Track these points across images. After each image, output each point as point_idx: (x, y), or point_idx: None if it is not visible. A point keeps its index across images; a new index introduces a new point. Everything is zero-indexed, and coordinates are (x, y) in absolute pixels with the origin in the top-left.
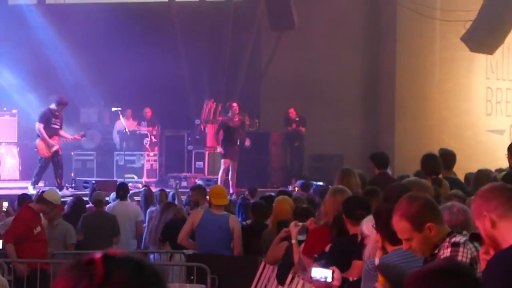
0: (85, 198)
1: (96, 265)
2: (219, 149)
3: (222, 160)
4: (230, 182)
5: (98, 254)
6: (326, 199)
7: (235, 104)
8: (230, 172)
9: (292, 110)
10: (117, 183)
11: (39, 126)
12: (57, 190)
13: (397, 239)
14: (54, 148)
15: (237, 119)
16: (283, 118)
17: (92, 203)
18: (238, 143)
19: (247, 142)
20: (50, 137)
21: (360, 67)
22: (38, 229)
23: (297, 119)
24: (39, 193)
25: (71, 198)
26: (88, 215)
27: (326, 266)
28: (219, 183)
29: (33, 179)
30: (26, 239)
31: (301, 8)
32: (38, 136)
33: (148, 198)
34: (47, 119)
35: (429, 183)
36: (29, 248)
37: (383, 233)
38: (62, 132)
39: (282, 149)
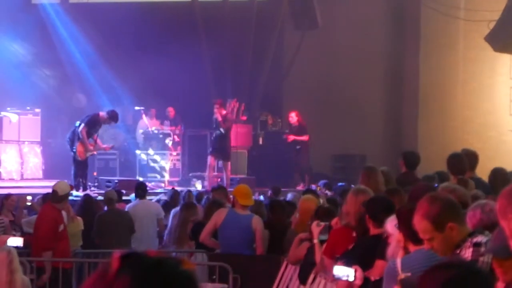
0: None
1: (112, 262)
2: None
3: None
4: (225, 182)
5: (118, 253)
6: (348, 199)
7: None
8: (224, 172)
9: (293, 114)
10: (136, 182)
11: (82, 129)
12: (66, 182)
13: (419, 239)
14: (90, 154)
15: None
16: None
17: (104, 202)
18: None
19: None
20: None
21: (383, 67)
22: (62, 227)
23: (296, 125)
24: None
25: (81, 197)
26: (102, 214)
27: (348, 265)
28: (206, 181)
29: (75, 183)
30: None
31: (325, 8)
32: (79, 138)
33: (174, 199)
34: (93, 124)
35: (454, 182)
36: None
37: (405, 233)
38: (98, 140)
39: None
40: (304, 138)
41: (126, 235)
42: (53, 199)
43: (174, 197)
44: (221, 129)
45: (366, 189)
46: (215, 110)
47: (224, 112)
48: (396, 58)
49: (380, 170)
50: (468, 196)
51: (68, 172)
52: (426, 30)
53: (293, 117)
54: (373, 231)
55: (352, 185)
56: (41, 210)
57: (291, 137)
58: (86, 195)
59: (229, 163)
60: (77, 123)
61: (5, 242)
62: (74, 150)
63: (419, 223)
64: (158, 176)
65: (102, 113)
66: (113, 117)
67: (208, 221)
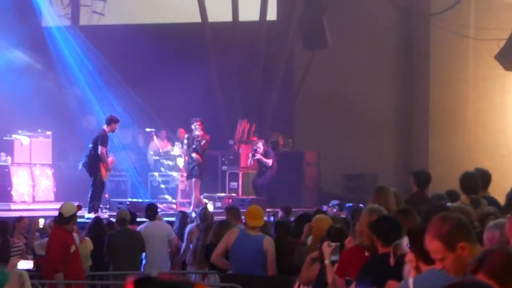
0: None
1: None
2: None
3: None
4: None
5: (132, 277)
6: (361, 218)
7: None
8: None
9: (259, 144)
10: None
11: (102, 150)
12: (72, 203)
13: (431, 259)
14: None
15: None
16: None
17: (117, 222)
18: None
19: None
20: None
21: (393, 86)
22: (73, 248)
23: (261, 149)
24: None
25: (91, 220)
26: (114, 233)
27: (359, 286)
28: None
29: (91, 205)
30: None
31: (334, 28)
32: (100, 160)
33: (183, 221)
34: (107, 141)
35: (467, 202)
36: (65, 269)
37: (417, 253)
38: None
39: (315, 169)
40: (268, 162)
41: (136, 255)
42: (60, 221)
43: (183, 219)
44: (198, 149)
45: (379, 208)
46: (196, 127)
47: (201, 132)
48: (406, 77)
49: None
50: (474, 215)
51: (80, 194)
52: (435, 49)
53: (260, 147)
54: (381, 250)
55: (361, 205)
56: (52, 233)
57: (257, 156)
58: (96, 217)
59: (199, 180)
60: (90, 145)
61: (16, 265)
62: (99, 174)
63: (430, 243)
64: (170, 198)
65: (105, 126)
66: (112, 120)
67: (216, 240)
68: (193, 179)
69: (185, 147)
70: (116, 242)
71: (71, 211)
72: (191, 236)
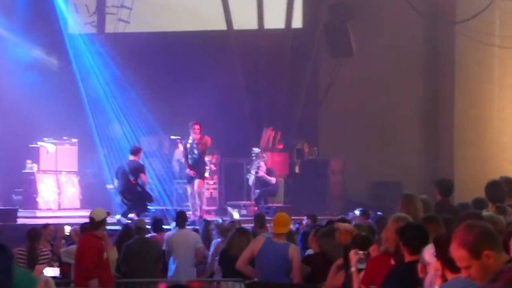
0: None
1: None
2: (192, 173)
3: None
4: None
5: (163, 284)
6: (388, 226)
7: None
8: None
9: (262, 163)
10: (176, 212)
11: (144, 179)
12: (102, 208)
13: (456, 267)
14: None
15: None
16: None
17: (135, 231)
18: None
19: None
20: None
21: (418, 95)
22: (105, 255)
23: (264, 168)
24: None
25: (120, 228)
26: (130, 243)
27: None
28: (191, 210)
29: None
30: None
31: (360, 36)
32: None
33: (206, 229)
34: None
35: (493, 210)
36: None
37: (443, 261)
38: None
39: (340, 177)
40: (272, 179)
41: (152, 265)
42: (91, 226)
43: (206, 227)
44: (195, 152)
45: (406, 217)
46: (194, 131)
47: (198, 136)
48: (431, 84)
49: (420, 198)
50: (504, 224)
51: (106, 201)
52: (460, 58)
53: (262, 166)
54: (408, 258)
55: (379, 213)
56: (83, 239)
57: (260, 173)
58: (126, 225)
59: (202, 180)
60: (131, 177)
61: (42, 272)
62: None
63: (456, 251)
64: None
65: (132, 157)
66: (139, 150)
67: (227, 247)
68: (197, 180)
69: (182, 158)
70: (132, 252)
71: (101, 216)
72: (217, 251)
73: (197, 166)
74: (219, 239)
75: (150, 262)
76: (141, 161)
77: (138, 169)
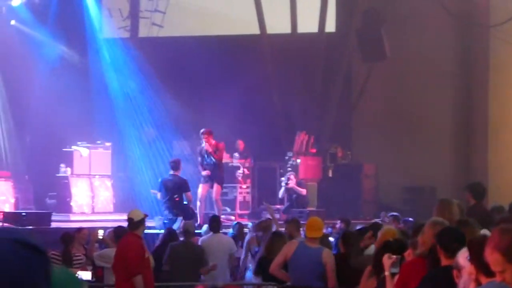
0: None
1: None
2: (207, 172)
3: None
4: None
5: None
6: (425, 230)
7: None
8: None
9: (291, 176)
10: (210, 216)
11: (189, 197)
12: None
13: (491, 271)
14: None
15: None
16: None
17: (181, 234)
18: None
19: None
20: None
21: (452, 98)
22: (147, 254)
23: (293, 180)
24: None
25: (164, 231)
26: (176, 245)
27: None
28: (198, 215)
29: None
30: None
31: (393, 39)
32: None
33: (240, 232)
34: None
35: None
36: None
37: (477, 265)
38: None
39: (374, 181)
40: (303, 191)
41: (195, 269)
42: (131, 227)
43: (240, 230)
44: (213, 159)
45: (444, 222)
46: (204, 140)
47: (213, 142)
48: (465, 88)
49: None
50: None
51: (139, 205)
52: (495, 61)
53: (292, 179)
54: (444, 261)
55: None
56: (124, 240)
57: (291, 184)
58: (169, 228)
59: (220, 186)
60: (175, 195)
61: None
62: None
63: (490, 255)
64: (228, 209)
65: (172, 172)
66: (179, 163)
67: (266, 253)
68: (215, 186)
69: (199, 159)
70: (177, 253)
71: (140, 216)
72: (250, 245)
73: (215, 172)
74: (251, 234)
75: (194, 265)
76: (182, 176)
77: (182, 187)
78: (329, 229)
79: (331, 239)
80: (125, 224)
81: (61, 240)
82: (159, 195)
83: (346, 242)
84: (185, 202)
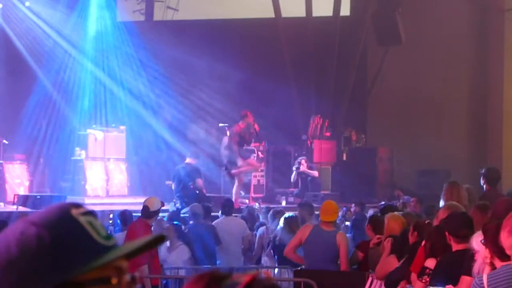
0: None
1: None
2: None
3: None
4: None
5: (245, 278)
6: (439, 214)
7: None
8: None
9: (303, 161)
10: (223, 199)
11: (200, 183)
12: (157, 198)
13: (506, 255)
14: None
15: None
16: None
17: (190, 217)
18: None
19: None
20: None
21: (467, 81)
22: None
23: (304, 165)
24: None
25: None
26: (189, 227)
27: (435, 283)
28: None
29: None
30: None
31: (408, 23)
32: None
33: (251, 215)
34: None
35: None
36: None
37: (492, 249)
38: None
39: (389, 164)
40: (315, 173)
41: (211, 248)
42: (144, 214)
43: (251, 213)
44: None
45: (458, 205)
46: (250, 120)
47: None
48: (480, 72)
49: (464, 187)
50: None
51: (153, 188)
52: (510, 44)
53: (303, 164)
54: (456, 247)
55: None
56: (133, 226)
57: (302, 168)
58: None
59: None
60: (188, 183)
61: None
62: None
63: (506, 239)
64: (242, 193)
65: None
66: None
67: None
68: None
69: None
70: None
71: (156, 206)
72: (262, 241)
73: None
74: (264, 228)
75: (209, 245)
76: (196, 165)
77: (190, 175)
78: (344, 209)
79: (347, 223)
80: (138, 207)
81: None
82: (173, 185)
83: (375, 227)
84: (197, 191)
